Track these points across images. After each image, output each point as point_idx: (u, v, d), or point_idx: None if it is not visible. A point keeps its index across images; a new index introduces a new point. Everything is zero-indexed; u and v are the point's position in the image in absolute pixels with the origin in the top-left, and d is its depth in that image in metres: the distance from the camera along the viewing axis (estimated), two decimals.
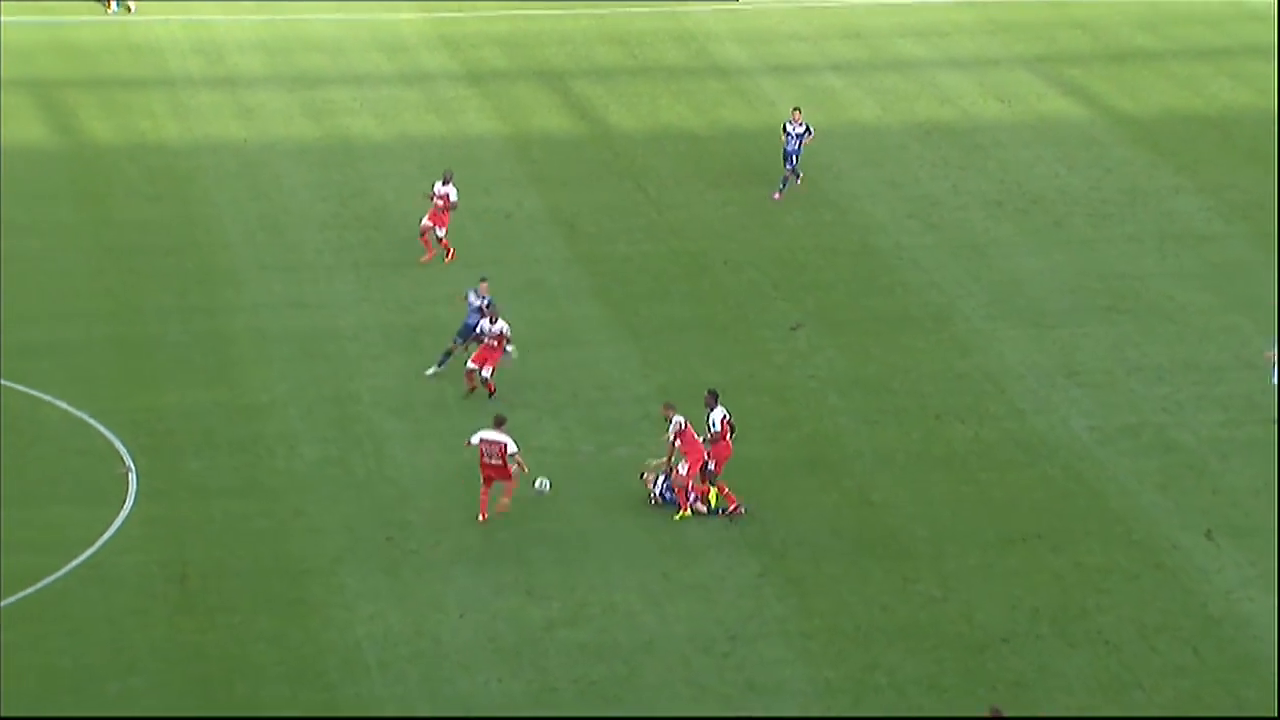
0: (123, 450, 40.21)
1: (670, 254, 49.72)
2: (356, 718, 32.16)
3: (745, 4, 67.83)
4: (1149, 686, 33.11)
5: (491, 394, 41.47)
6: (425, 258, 48.30)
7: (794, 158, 52.05)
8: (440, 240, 48.39)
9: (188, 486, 39.02)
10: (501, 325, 41.50)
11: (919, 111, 59.25)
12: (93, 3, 66.80)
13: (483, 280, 43.42)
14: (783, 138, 52.21)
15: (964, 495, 38.88)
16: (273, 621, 34.79)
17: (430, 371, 42.89)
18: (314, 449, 40.57)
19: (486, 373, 41.59)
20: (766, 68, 62.99)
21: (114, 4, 66.29)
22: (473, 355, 41.96)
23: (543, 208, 52.64)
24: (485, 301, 42.60)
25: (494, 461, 37.29)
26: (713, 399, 38.01)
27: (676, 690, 33.04)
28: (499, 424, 37.62)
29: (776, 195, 52.07)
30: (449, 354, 42.90)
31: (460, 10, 68.26)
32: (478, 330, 41.98)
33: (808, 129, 51.96)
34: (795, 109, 53.01)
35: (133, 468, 39.53)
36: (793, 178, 52.20)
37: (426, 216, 48.35)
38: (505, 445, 37.16)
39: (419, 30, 66.49)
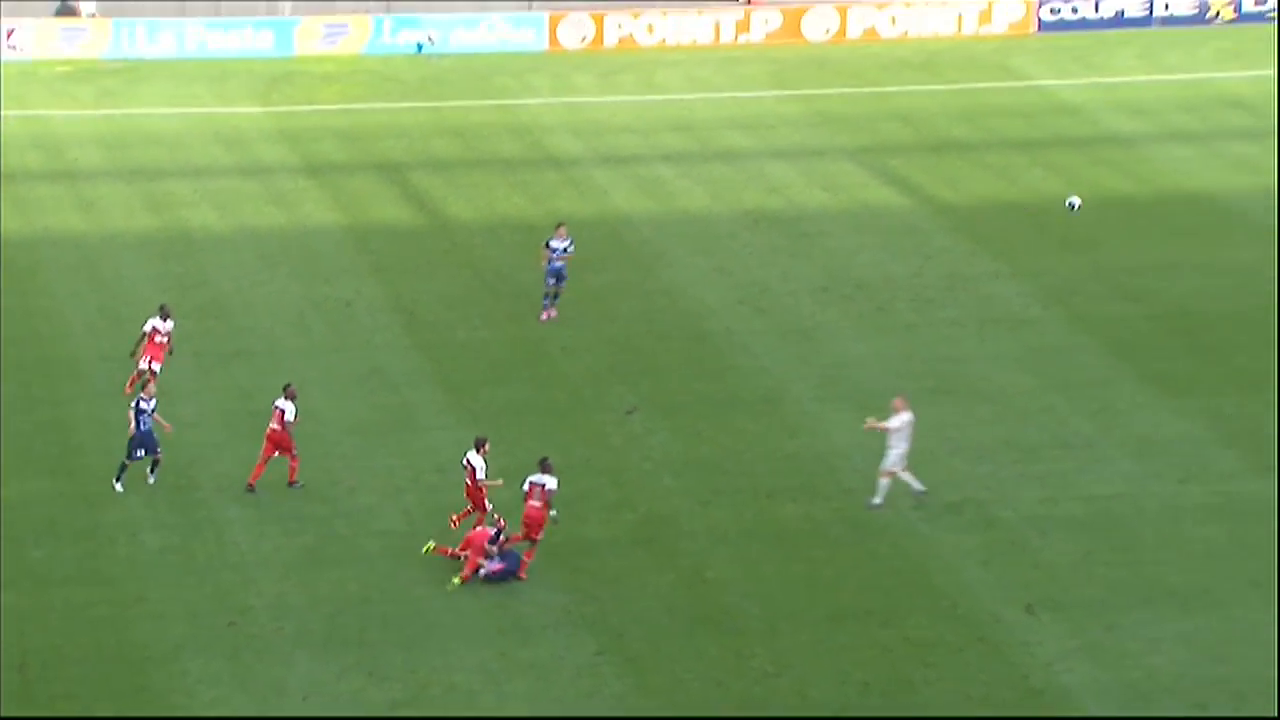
0: None
1: (508, 340, 49.73)
2: None
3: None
4: None
5: None
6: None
7: (561, 274, 49.80)
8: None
9: (29, 575, 38.42)
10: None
11: (747, 200, 59.69)
12: None
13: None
14: (546, 253, 49.88)
15: (795, 572, 39.03)
16: (114, 708, 34.27)
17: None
18: (155, 536, 40.10)
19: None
20: (599, 159, 63.32)
21: None
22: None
23: (382, 296, 52.50)
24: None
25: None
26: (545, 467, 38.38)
27: None
28: (479, 446, 39.01)
29: (544, 316, 50.06)
30: None
31: (298, 104, 68.12)
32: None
33: (571, 242, 49.89)
34: (560, 224, 50.76)
35: None
36: (553, 296, 50.04)
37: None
38: (474, 469, 38.40)
39: (257, 124, 66.27)
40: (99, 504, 41.25)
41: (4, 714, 33.88)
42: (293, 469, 41.70)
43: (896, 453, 40.78)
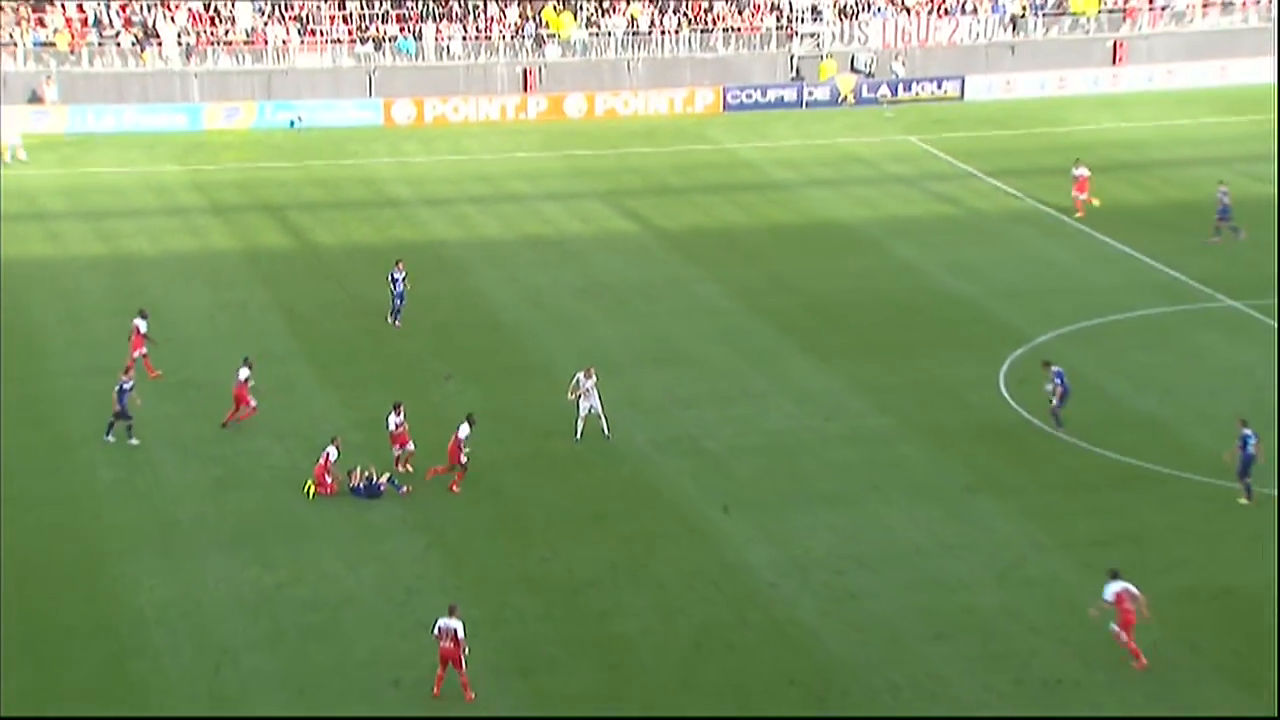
0: None
1: (361, 330, 49.11)
2: None
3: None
4: (687, 612, 33.56)
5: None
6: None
7: (402, 299, 47.46)
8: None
9: (11, 502, 37.31)
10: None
11: (527, 229, 59.51)
12: None
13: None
14: (389, 282, 47.79)
15: (566, 488, 39.00)
16: (80, 597, 33.45)
17: None
18: (108, 471, 39.13)
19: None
20: (423, 200, 62.74)
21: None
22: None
23: (270, 300, 51.58)
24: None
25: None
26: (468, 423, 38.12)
27: (371, 628, 32.60)
28: (470, 421, 37.98)
29: (394, 323, 47.97)
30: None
31: (206, 164, 66.68)
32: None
33: (405, 275, 47.62)
34: (398, 260, 48.44)
35: None
36: (396, 312, 47.68)
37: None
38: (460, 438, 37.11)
39: (178, 178, 64.81)
40: (63, 451, 40.14)
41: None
42: (242, 416, 40.82)
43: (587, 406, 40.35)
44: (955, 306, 51.50)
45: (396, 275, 49.10)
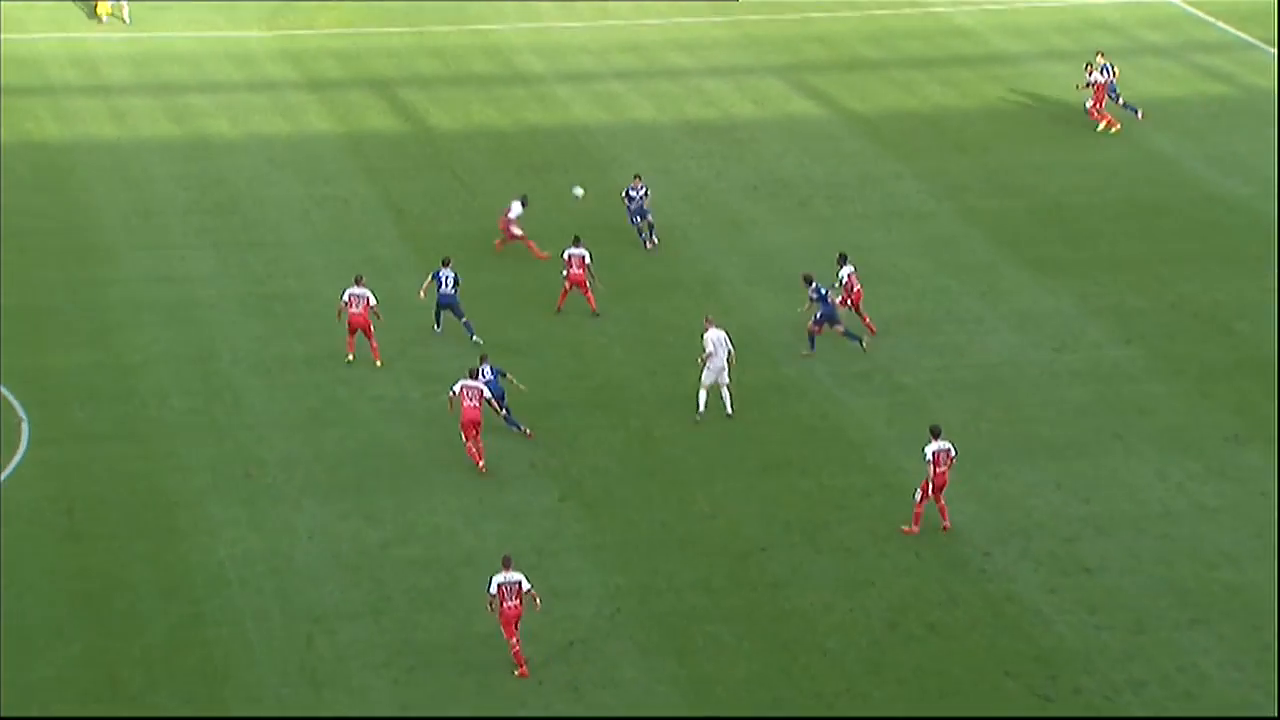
0: (15, 404, 39.38)
1: (482, 233, 49.42)
2: None
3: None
4: (880, 584, 33.55)
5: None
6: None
7: (642, 215, 47.67)
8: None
9: (74, 434, 38.33)
10: None
11: (687, 112, 59.33)
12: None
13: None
14: (626, 200, 47.91)
15: (729, 431, 39.08)
16: (147, 546, 34.31)
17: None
18: (182, 400, 39.97)
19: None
20: (560, 76, 62.75)
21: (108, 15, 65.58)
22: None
23: (374, 195, 52.13)
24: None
25: (472, 403, 36.57)
26: None
27: None
28: (483, 362, 37.65)
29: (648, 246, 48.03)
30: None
31: (300, 28, 67.32)
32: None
33: (647, 192, 47.88)
34: (636, 176, 48.13)
35: (25, 418, 38.74)
36: (647, 232, 48.06)
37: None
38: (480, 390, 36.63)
39: (265, 46, 65.48)
40: (132, 373, 41.05)
41: (52, 553, 33.83)
42: (375, 349, 41.06)
43: (710, 367, 38.96)
44: (1221, 210, 50.62)
45: (634, 192, 48.11)
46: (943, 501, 34.95)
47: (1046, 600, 32.83)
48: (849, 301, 42.59)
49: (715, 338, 38.97)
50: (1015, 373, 41.56)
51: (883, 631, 32.08)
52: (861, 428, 39.17)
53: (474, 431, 36.62)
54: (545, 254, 46.56)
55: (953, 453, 34.75)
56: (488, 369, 37.79)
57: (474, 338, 41.96)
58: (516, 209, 47.27)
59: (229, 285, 45.81)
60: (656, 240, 48.45)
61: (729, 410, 39.13)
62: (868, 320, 42.84)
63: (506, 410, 37.95)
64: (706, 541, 34.89)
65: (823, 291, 41.74)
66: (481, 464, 36.70)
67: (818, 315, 41.74)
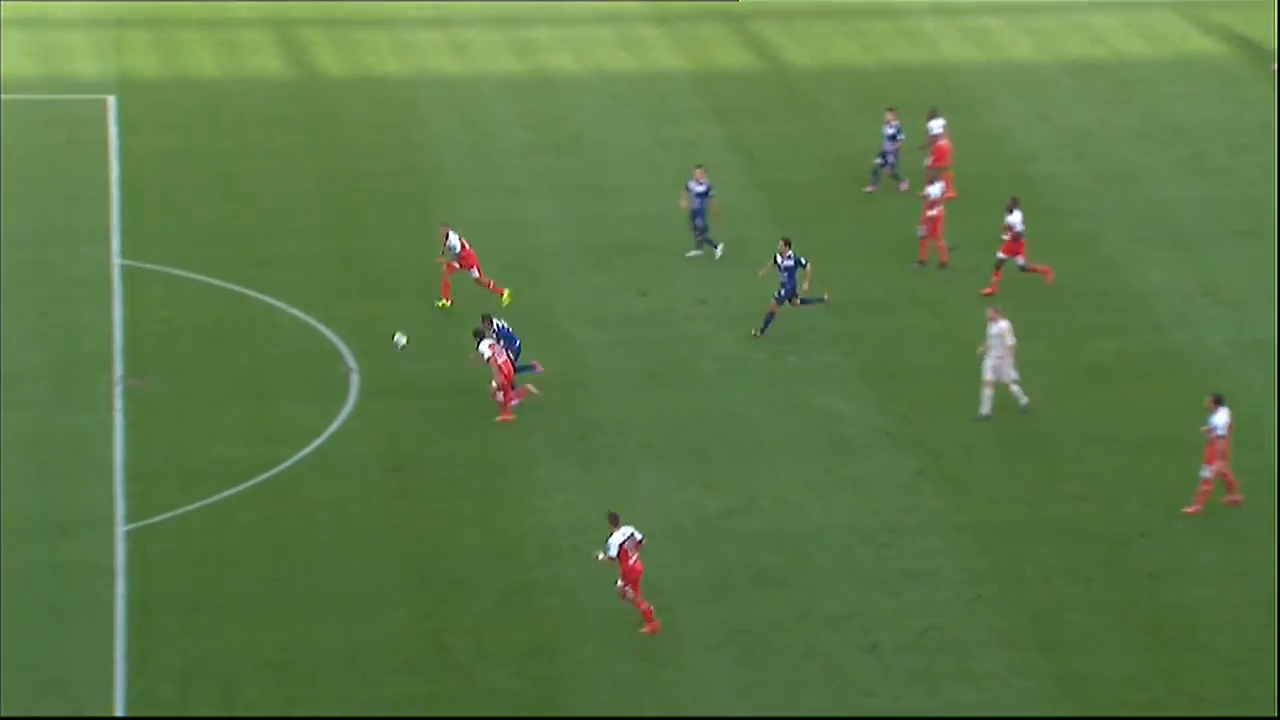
0: (346, 353, 40.72)
1: (838, 181, 49.38)
2: None
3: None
4: (1274, 578, 32.67)
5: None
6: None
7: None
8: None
9: (403, 387, 39.47)
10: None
11: (1070, 50, 58.36)
12: None
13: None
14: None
15: (1107, 403, 38.50)
16: (477, 509, 35.20)
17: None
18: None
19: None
20: (929, 9, 62.21)
21: None
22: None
23: (723, 137, 52.47)
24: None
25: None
26: None
27: (839, 576, 33.10)
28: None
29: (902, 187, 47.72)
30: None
31: None
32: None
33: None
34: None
35: (355, 369, 40.05)
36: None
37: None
38: None
39: None
40: (466, 324, 42.01)
41: (379, 513, 34.93)
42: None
43: (990, 361, 37.74)
44: None
45: (887, 129, 48.09)
46: (1231, 475, 34.08)
47: None
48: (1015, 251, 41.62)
49: (998, 330, 37.67)
50: None
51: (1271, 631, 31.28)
52: (1257, 404, 38.16)
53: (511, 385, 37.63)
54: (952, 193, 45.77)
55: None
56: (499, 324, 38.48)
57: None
58: (936, 191, 44.37)
59: (567, 233, 46.65)
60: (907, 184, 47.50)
61: (1022, 404, 37.91)
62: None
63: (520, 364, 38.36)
64: (1078, 525, 34.43)
65: (799, 262, 40.40)
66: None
67: (779, 293, 40.54)
